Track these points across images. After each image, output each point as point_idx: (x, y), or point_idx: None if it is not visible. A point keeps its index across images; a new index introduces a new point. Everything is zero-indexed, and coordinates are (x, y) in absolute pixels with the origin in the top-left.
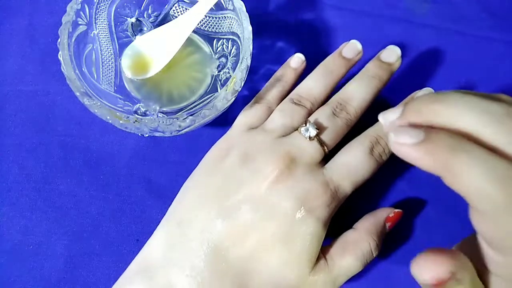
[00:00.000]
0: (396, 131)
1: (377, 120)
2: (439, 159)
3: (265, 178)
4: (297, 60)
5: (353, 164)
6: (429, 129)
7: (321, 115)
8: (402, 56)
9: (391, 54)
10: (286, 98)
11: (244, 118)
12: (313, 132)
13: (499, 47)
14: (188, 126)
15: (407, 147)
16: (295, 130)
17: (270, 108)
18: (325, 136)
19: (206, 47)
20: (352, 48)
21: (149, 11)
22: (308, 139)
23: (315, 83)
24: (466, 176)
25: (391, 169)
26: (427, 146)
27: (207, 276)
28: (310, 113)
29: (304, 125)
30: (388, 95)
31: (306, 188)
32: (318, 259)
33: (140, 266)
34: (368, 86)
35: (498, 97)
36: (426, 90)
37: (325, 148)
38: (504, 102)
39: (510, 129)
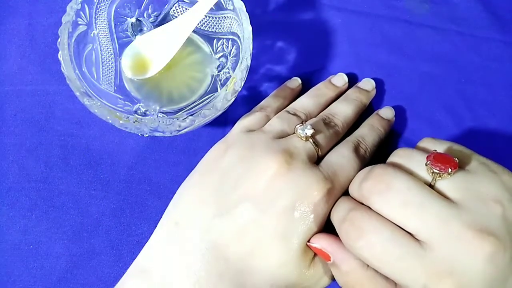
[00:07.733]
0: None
1: None
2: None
3: (263, 174)
4: (294, 82)
5: (343, 162)
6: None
7: (313, 121)
8: (402, 55)
9: (367, 83)
10: (283, 110)
11: (243, 122)
12: (309, 131)
13: (499, 47)
14: (188, 126)
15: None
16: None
17: (268, 116)
18: (319, 138)
19: (206, 47)
20: (340, 78)
21: (149, 11)
22: (304, 139)
23: (309, 100)
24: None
25: None
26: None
27: (204, 276)
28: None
29: (301, 124)
30: (388, 95)
31: (305, 183)
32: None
33: (139, 267)
34: (350, 104)
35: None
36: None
37: (319, 150)
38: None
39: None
